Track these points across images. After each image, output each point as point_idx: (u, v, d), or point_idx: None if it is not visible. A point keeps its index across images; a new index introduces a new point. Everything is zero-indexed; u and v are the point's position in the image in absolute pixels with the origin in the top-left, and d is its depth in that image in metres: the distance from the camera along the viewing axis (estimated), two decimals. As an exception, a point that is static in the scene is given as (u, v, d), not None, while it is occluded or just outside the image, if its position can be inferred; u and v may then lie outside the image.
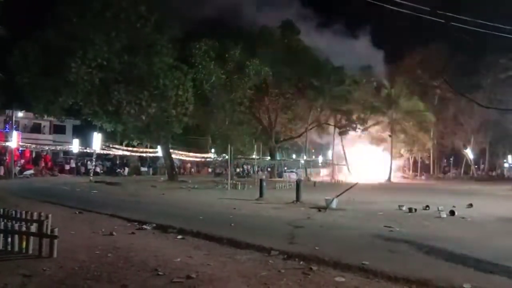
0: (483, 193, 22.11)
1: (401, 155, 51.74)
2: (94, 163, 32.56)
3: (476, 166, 51.99)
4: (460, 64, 42.40)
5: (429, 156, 51.11)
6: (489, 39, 26.60)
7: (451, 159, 53.58)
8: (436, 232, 9.08)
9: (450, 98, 45.40)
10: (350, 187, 15.39)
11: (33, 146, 34.72)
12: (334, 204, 13.13)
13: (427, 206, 13.49)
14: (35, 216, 6.56)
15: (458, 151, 49.85)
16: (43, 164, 34.73)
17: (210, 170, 47.45)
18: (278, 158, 46.19)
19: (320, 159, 56.17)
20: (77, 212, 11.19)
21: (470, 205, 14.23)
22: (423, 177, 48.89)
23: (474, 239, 8.24)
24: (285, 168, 45.67)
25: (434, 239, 8.08)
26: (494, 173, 52.94)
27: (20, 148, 32.70)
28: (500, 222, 10.87)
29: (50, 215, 6.75)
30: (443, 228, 9.67)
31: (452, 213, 11.93)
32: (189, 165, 47.64)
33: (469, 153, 48.59)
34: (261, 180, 17.84)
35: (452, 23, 13.60)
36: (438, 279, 5.10)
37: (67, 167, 37.36)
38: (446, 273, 5.38)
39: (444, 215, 11.66)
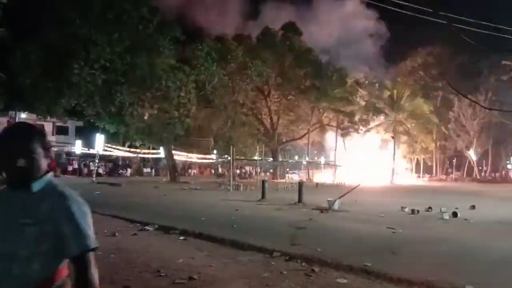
0: (486, 195, 22.00)
1: (404, 157, 51.64)
2: (96, 164, 32.62)
3: (479, 168, 51.79)
4: (462, 66, 42.39)
5: (432, 158, 50.98)
6: (492, 41, 26.58)
7: (453, 160, 53.37)
8: (438, 233, 9.06)
9: (452, 100, 45.33)
10: (353, 188, 15.38)
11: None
12: (336, 206, 13.10)
13: (430, 207, 13.44)
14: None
15: (460, 153, 49.68)
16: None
17: (212, 171, 47.44)
18: (280, 160, 46.16)
19: (323, 160, 56.11)
20: (79, 213, 11.18)
21: (473, 207, 14.17)
22: (425, 179, 48.75)
23: (476, 240, 8.22)
24: (287, 169, 45.63)
25: (437, 241, 8.07)
26: (497, 175, 52.71)
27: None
28: (502, 224, 10.82)
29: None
30: (446, 230, 9.65)
31: (454, 214, 11.90)
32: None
33: (471, 155, 48.42)
34: (263, 182, 17.79)
35: (455, 24, 13.59)
36: (441, 280, 5.09)
37: (69, 168, 37.45)
38: (448, 274, 5.37)
39: (446, 216, 11.62)
